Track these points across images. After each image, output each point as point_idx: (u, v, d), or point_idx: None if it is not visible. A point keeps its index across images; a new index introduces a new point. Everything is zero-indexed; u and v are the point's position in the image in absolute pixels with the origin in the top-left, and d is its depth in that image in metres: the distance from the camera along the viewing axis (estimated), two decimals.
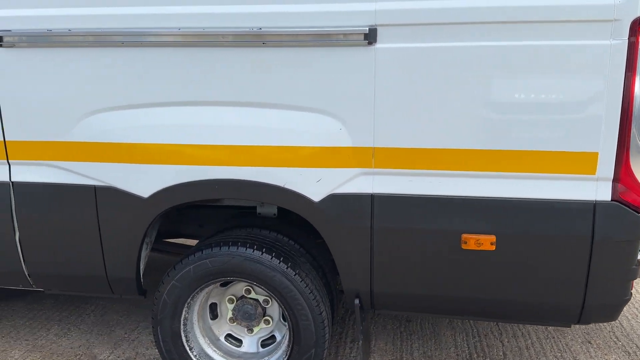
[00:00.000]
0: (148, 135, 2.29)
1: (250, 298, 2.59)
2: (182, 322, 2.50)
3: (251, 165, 2.25)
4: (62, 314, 3.39)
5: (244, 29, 2.14)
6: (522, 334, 3.17)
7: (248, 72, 2.19)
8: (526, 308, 2.27)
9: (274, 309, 2.62)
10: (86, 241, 2.45)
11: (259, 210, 2.79)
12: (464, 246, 2.17)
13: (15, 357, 2.94)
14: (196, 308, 2.56)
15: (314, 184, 2.23)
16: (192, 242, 3.55)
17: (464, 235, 2.17)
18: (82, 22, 2.23)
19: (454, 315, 2.38)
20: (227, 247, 2.41)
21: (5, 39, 2.30)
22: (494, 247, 2.14)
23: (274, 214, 2.77)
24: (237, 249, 2.39)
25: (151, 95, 2.26)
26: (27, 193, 2.44)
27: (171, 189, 2.32)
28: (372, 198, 2.21)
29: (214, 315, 2.67)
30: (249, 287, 2.57)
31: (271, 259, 2.37)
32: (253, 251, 2.38)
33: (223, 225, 2.87)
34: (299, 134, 2.21)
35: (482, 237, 2.15)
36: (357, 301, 2.35)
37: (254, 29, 2.13)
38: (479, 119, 2.08)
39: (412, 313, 2.39)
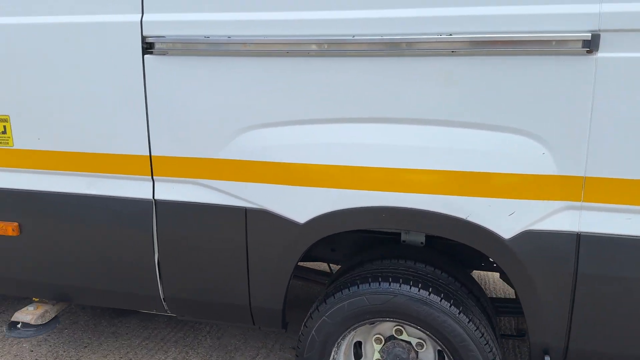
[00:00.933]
0: (309, 155, 2.04)
1: (402, 340, 2.28)
2: None
3: (427, 193, 1.95)
4: (178, 335, 3.23)
5: (430, 36, 1.85)
6: None
7: (431, 84, 1.89)
8: None
9: (428, 353, 2.29)
10: (231, 267, 2.24)
11: (403, 237, 2.49)
12: None
13: None
14: (344, 348, 2.28)
15: (505, 218, 1.89)
16: (316, 265, 3.32)
17: None
18: (243, 29, 2.01)
19: None
20: (387, 283, 2.11)
21: (157, 46, 2.13)
22: None
23: (422, 243, 2.46)
24: (400, 286, 2.09)
25: (316, 110, 2.01)
26: (170, 212, 2.25)
27: (331, 215, 2.06)
28: (578, 238, 1.84)
29: (357, 355, 2.38)
30: (399, 327, 2.26)
31: (440, 301, 2.05)
32: (419, 290, 2.07)
33: (359, 250, 2.60)
34: (490, 158, 1.88)
35: None
36: (547, 358, 1.98)
37: (443, 35, 1.84)
38: None
39: None
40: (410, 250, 2.43)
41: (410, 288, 2.08)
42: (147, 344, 3.13)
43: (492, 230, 1.90)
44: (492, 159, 1.88)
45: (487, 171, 1.88)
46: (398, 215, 2.00)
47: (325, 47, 1.94)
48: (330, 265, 3.18)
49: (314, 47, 1.95)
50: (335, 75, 1.97)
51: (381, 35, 1.89)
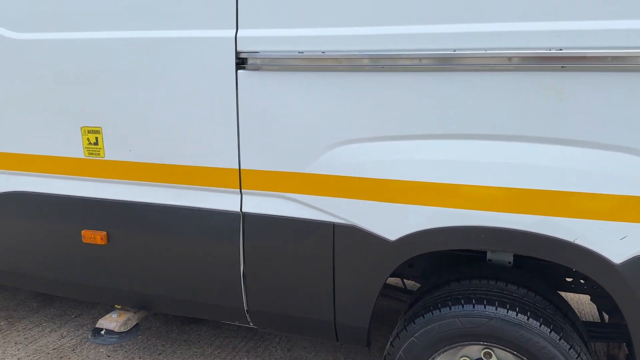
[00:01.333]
0: (402, 172, 2.00)
1: None
2: None
3: (531, 213, 1.87)
4: (249, 344, 3.24)
5: (539, 51, 1.78)
6: None
7: (534, 101, 1.82)
8: None
9: None
10: (317, 282, 2.22)
11: (489, 256, 2.41)
12: None
13: None
14: None
15: (616, 242, 1.79)
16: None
17: None
18: (337, 44, 2.01)
19: None
20: (481, 306, 2.04)
21: (250, 61, 2.14)
22: None
23: (509, 262, 2.38)
24: (496, 309, 2.01)
25: (410, 126, 1.97)
26: (257, 225, 2.26)
27: (424, 234, 2.01)
28: None
29: None
30: (488, 350, 2.18)
31: (540, 326, 1.97)
32: (516, 315, 1.99)
33: (439, 268, 2.54)
34: (600, 179, 1.79)
35: None
36: None
37: (552, 50, 1.76)
38: None
39: None
40: (497, 269, 2.35)
41: (507, 312, 2.00)
42: (219, 352, 3.15)
43: (601, 255, 1.81)
44: (603, 179, 1.78)
45: (598, 192, 1.79)
46: (498, 236, 1.93)
47: (422, 62, 1.90)
48: (404, 281, 3.12)
49: (410, 62, 1.91)
50: (431, 90, 1.92)
51: (484, 49, 1.83)
